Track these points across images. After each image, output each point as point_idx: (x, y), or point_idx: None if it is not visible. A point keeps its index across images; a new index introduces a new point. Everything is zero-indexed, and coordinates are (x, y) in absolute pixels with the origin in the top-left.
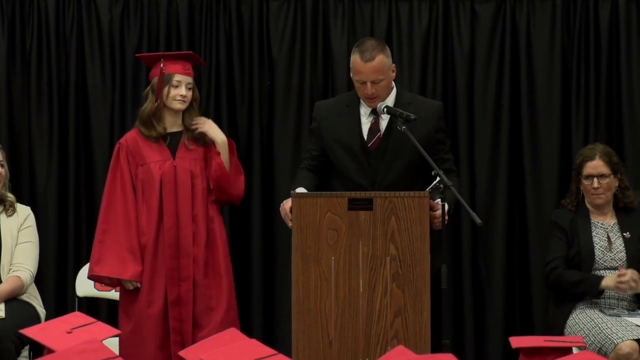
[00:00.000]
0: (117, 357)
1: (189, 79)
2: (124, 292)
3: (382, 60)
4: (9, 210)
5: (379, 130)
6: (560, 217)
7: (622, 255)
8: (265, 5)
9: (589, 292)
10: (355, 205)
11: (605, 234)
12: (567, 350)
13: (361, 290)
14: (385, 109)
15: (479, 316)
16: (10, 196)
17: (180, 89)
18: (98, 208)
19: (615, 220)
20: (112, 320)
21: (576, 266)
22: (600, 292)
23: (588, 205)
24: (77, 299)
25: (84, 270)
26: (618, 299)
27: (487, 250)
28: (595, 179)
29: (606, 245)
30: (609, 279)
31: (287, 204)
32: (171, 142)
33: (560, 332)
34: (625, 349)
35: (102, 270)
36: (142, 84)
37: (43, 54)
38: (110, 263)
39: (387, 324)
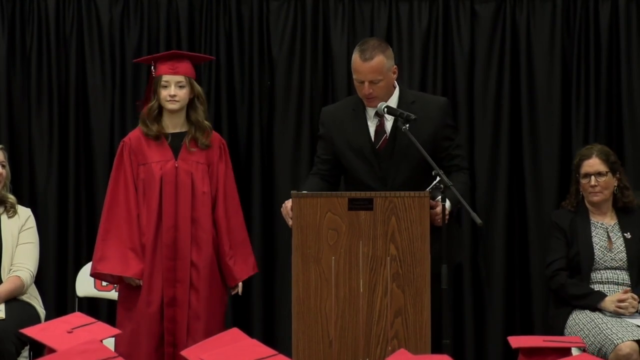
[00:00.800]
0: (117, 357)
1: (178, 78)
2: (123, 291)
3: (382, 60)
4: (10, 211)
5: (385, 132)
6: (559, 218)
7: (623, 255)
8: (265, 5)
9: (588, 307)
10: (355, 205)
11: (605, 234)
12: (567, 351)
13: (361, 290)
14: (385, 109)
15: (479, 316)
16: (11, 197)
17: (169, 89)
18: (98, 208)
19: (616, 221)
20: (112, 320)
21: (576, 266)
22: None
23: (588, 206)
24: (77, 299)
25: (84, 270)
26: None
27: (487, 250)
28: (593, 177)
29: (606, 245)
30: (608, 302)
31: (289, 203)
32: (174, 142)
33: (560, 333)
34: (625, 350)
35: (105, 267)
36: (142, 84)
37: (43, 54)
38: (113, 261)
39: (387, 324)
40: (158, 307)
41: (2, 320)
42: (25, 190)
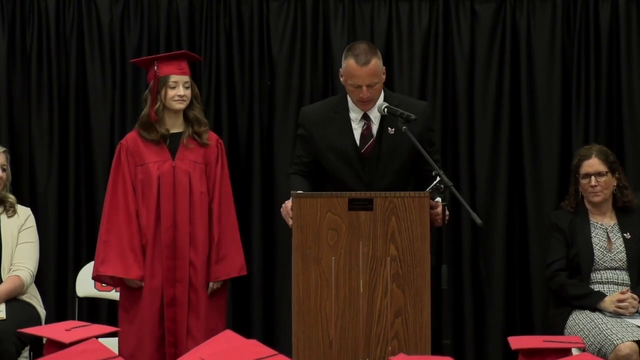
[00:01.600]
0: (117, 357)
1: (186, 78)
2: (124, 292)
3: (377, 63)
4: (10, 211)
5: (372, 136)
6: (559, 219)
7: (622, 255)
8: (265, 5)
9: (588, 307)
10: (355, 205)
11: (605, 235)
12: (566, 352)
13: (361, 290)
14: (385, 109)
15: (479, 316)
16: (11, 197)
17: (177, 89)
18: (98, 208)
19: (615, 221)
20: (112, 320)
21: (576, 267)
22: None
23: (587, 206)
24: (77, 299)
25: (84, 270)
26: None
27: (487, 250)
28: (593, 177)
29: (606, 245)
30: (608, 302)
31: (289, 203)
32: (171, 143)
33: (560, 333)
34: (624, 350)
35: (107, 270)
36: (142, 84)
37: (43, 54)
38: (115, 263)
39: (387, 324)
40: (159, 308)
41: (3, 320)
42: (25, 190)
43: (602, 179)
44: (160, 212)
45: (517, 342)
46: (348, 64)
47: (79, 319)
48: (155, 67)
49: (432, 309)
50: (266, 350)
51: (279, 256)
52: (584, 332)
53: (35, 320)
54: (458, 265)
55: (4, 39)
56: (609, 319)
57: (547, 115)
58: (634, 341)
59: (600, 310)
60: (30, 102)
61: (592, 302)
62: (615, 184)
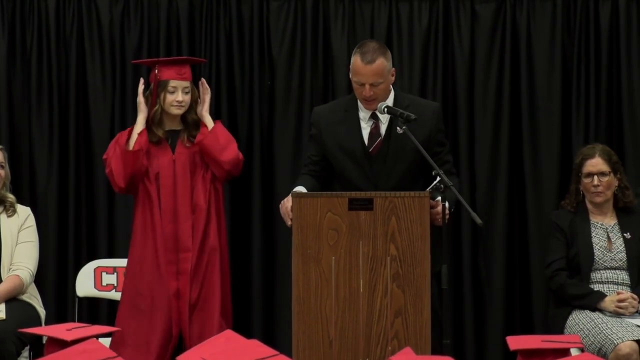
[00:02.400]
0: (117, 357)
1: (185, 84)
2: (127, 288)
3: (383, 63)
4: (9, 210)
5: (380, 135)
6: (559, 218)
7: (622, 255)
8: (265, 5)
9: (588, 307)
10: (355, 205)
11: (605, 234)
12: (565, 352)
13: (361, 290)
14: (385, 109)
15: (479, 316)
16: (11, 197)
17: (176, 94)
18: (98, 208)
19: (616, 221)
20: (113, 320)
21: (576, 267)
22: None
23: (588, 206)
24: (77, 299)
25: (84, 270)
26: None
27: (487, 250)
28: (596, 177)
29: (606, 245)
30: (608, 301)
31: (287, 202)
32: (171, 140)
33: (560, 332)
34: (625, 350)
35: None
36: None
37: (43, 54)
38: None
39: (387, 324)
40: (165, 300)
41: (3, 320)
42: (25, 190)
43: (605, 178)
44: (160, 206)
45: (515, 342)
46: (354, 60)
47: (79, 319)
48: (156, 70)
49: (432, 308)
50: (267, 350)
51: (279, 256)
52: (583, 331)
53: (35, 320)
54: (458, 265)
55: (4, 39)
56: (609, 318)
57: (547, 115)
58: (634, 340)
59: (600, 310)
60: (30, 102)
61: (592, 301)
62: (616, 185)
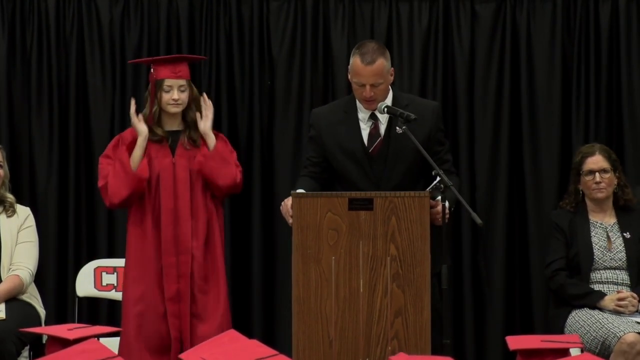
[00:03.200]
0: (117, 357)
1: (180, 82)
2: (126, 289)
3: (382, 63)
4: (9, 210)
5: (379, 135)
6: (558, 218)
7: (622, 255)
8: (265, 5)
9: (588, 306)
10: (355, 205)
11: (605, 234)
12: (564, 352)
13: (361, 290)
14: (385, 109)
15: (479, 316)
16: (10, 197)
17: (172, 93)
18: (98, 208)
19: (615, 220)
20: (112, 320)
21: (575, 266)
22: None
23: (588, 205)
24: (77, 299)
25: (84, 270)
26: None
27: (487, 250)
28: (597, 174)
29: (606, 245)
30: (608, 300)
31: (288, 201)
32: (171, 140)
33: (560, 332)
34: (630, 338)
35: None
36: (143, 84)
37: (43, 54)
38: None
39: (387, 324)
40: (162, 303)
41: (3, 320)
42: (25, 190)
43: (606, 175)
44: (160, 208)
45: (515, 342)
46: (354, 61)
47: (79, 319)
48: (152, 70)
49: (432, 308)
50: (267, 350)
51: (279, 256)
52: (584, 328)
53: (35, 320)
54: (458, 265)
55: (4, 39)
56: (609, 315)
57: (547, 115)
58: (637, 333)
59: (600, 309)
60: (30, 102)
61: (591, 301)
62: (616, 183)
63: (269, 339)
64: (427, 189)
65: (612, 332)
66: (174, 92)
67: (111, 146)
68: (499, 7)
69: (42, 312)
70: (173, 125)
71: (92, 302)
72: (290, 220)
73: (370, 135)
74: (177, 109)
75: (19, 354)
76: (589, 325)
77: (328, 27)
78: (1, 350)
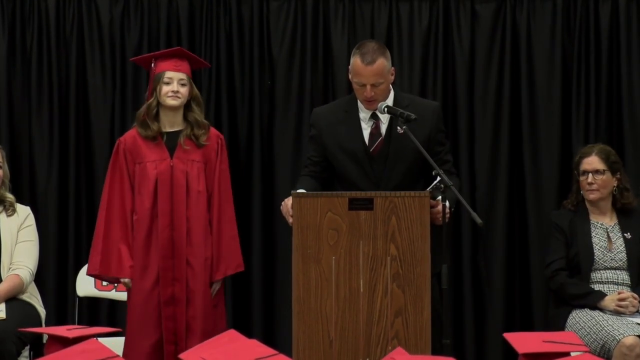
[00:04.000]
0: (117, 356)
1: (181, 75)
2: (129, 290)
3: (383, 63)
4: (9, 210)
5: (380, 135)
6: (559, 218)
7: (623, 255)
8: (265, 5)
9: (588, 306)
10: (355, 205)
11: (605, 234)
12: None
13: (361, 290)
14: (385, 109)
15: (479, 316)
16: (10, 196)
17: (171, 85)
18: (98, 208)
19: (616, 221)
20: (112, 320)
21: (576, 267)
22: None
23: (588, 205)
24: (77, 299)
25: (84, 270)
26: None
27: (487, 250)
28: (590, 175)
29: (606, 245)
30: (608, 300)
31: (288, 201)
32: (170, 141)
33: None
34: (629, 341)
35: (103, 269)
36: (142, 84)
37: (43, 54)
38: (111, 262)
39: (387, 324)
40: (156, 306)
41: (3, 320)
42: (25, 190)
43: (600, 177)
44: (157, 211)
45: (517, 342)
46: (354, 61)
47: (79, 319)
48: (153, 65)
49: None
50: (267, 350)
51: (279, 256)
52: (584, 330)
53: (35, 320)
54: (458, 265)
55: (4, 39)
56: (610, 316)
57: (547, 115)
58: (636, 336)
59: (600, 309)
60: (30, 102)
61: (592, 301)
62: (615, 185)
63: (269, 339)
64: (428, 189)
65: (611, 334)
66: (174, 84)
67: (113, 160)
68: (499, 7)
69: (42, 312)
70: (173, 125)
71: (92, 302)
72: (290, 220)
73: (371, 135)
74: (176, 102)
75: (19, 353)
76: (589, 327)
77: (328, 27)
78: (1, 350)
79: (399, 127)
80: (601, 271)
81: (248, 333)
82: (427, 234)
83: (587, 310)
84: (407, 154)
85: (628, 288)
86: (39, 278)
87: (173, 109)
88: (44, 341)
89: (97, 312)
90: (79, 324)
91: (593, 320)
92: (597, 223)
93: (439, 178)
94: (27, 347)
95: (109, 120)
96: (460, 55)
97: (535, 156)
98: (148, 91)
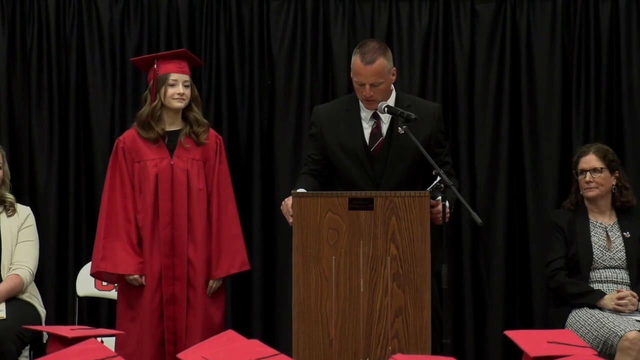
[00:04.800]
0: (117, 356)
1: (185, 77)
2: (122, 291)
3: (383, 63)
4: (9, 210)
5: (381, 135)
6: (558, 217)
7: (622, 254)
8: (265, 5)
9: (588, 305)
10: (355, 204)
11: (604, 234)
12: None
13: (362, 290)
14: (385, 109)
15: (479, 316)
16: (10, 196)
17: (177, 87)
18: (98, 208)
19: (615, 220)
20: (112, 320)
21: (575, 266)
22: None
23: (587, 204)
24: (77, 299)
25: (84, 270)
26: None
27: (487, 250)
28: (588, 173)
29: (605, 244)
30: (608, 299)
31: (289, 200)
32: (170, 141)
33: None
34: (632, 335)
35: (108, 266)
36: (142, 84)
37: (43, 54)
38: (115, 259)
39: (387, 324)
40: (157, 305)
41: (3, 320)
42: (25, 190)
43: (597, 175)
44: (158, 210)
45: (525, 344)
46: (354, 60)
47: (79, 319)
48: (155, 66)
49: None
50: (267, 350)
51: (279, 256)
52: (585, 328)
53: (36, 320)
54: (458, 265)
55: (4, 39)
56: (610, 314)
57: (547, 115)
58: (638, 331)
59: (600, 308)
60: (30, 102)
61: (591, 300)
62: (614, 183)
63: (269, 339)
64: (428, 189)
65: (613, 330)
66: (179, 87)
67: (112, 160)
68: (499, 7)
69: (42, 311)
70: (172, 124)
71: (92, 302)
72: (290, 220)
73: (372, 134)
74: (181, 104)
75: (19, 353)
76: (590, 324)
77: (328, 27)
78: (1, 350)
79: (399, 127)
80: (600, 270)
81: (248, 333)
82: (427, 234)
83: (587, 309)
84: (408, 154)
85: (627, 287)
86: (39, 278)
87: (175, 109)
88: (44, 341)
89: (97, 312)
90: (79, 324)
91: (593, 318)
92: (596, 222)
93: (438, 178)
94: (27, 347)
95: (109, 120)
96: (460, 55)
97: (535, 156)
98: (151, 93)
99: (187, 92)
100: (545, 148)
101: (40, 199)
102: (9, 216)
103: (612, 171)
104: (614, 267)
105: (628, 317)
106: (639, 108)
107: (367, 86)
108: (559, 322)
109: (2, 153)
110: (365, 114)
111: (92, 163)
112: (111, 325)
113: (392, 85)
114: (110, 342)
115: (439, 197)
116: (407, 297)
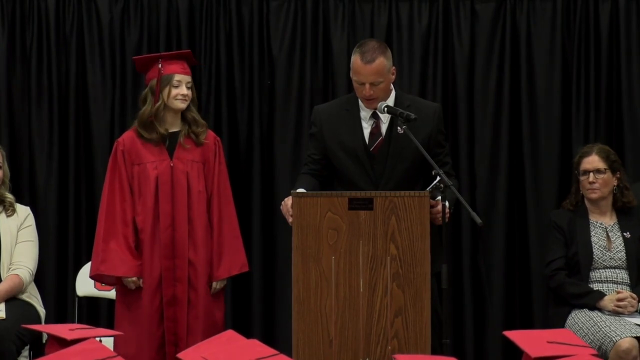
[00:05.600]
0: (117, 356)
1: (188, 78)
2: (121, 292)
3: (382, 62)
4: (9, 210)
5: (381, 134)
6: (558, 217)
7: (622, 255)
8: (265, 5)
9: (587, 306)
10: (355, 204)
11: (605, 234)
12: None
13: (361, 290)
14: (385, 109)
15: (479, 316)
16: (10, 196)
17: (181, 88)
18: (98, 208)
19: (615, 220)
20: (112, 320)
21: (575, 266)
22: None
23: (587, 205)
24: (77, 299)
25: (84, 270)
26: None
27: (487, 250)
28: (591, 174)
29: (605, 244)
30: (607, 300)
31: (288, 200)
32: (169, 142)
33: None
34: (624, 345)
35: (107, 269)
36: (142, 84)
37: (43, 54)
38: (115, 262)
39: (387, 324)
40: (158, 307)
41: (3, 320)
42: (25, 190)
43: (601, 176)
44: (158, 212)
45: (525, 344)
46: (354, 59)
47: (79, 319)
48: (160, 65)
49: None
50: (267, 350)
51: (279, 256)
52: (583, 330)
53: (35, 320)
54: (458, 265)
55: (4, 39)
56: (608, 317)
57: (547, 115)
58: (633, 337)
59: (599, 309)
60: (30, 102)
61: (591, 300)
62: (615, 184)
63: (269, 339)
64: (427, 189)
65: (608, 335)
66: (183, 87)
67: (112, 161)
68: (499, 7)
69: (42, 311)
70: (172, 125)
71: (92, 302)
72: (290, 220)
73: (371, 134)
74: (184, 105)
75: (19, 353)
76: (587, 328)
77: (328, 27)
78: (1, 350)
79: (399, 127)
80: (600, 270)
81: (248, 333)
82: (426, 234)
83: (586, 311)
84: (407, 153)
85: (627, 287)
86: (39, 278)
87: (177, 110)
88: (44, 341)
89: (97, 312)
90: (79, 323)
91: (591, 321)
92: (597, 222)
93: (438, 178)
94: (27, 347)
95: (109, 120)
96: (460, 55)
97: (535, 156)
98: (156, 93)
99: (190, 93)
100: (545, 148)
101: (40, 199)
102: (8, 216)
103: (613, 172)
104: (614, 267)
105: (627, 320)
106: (639, 108)
107: (367, 85)
108: (559, 322)
109: (2, 153)
110: (364, 113)
111: (92, 163)
112: (110, 326)
113: (392, 85)
114: (109, 342)
115: (439, 197)
116: (406, 297)
